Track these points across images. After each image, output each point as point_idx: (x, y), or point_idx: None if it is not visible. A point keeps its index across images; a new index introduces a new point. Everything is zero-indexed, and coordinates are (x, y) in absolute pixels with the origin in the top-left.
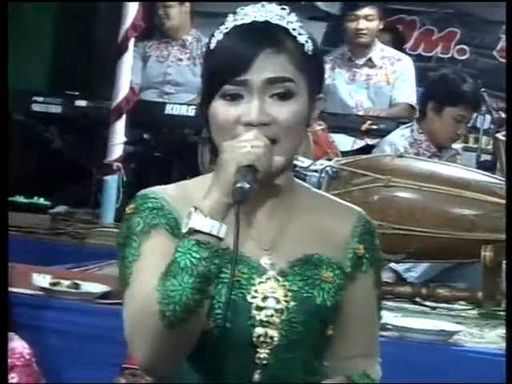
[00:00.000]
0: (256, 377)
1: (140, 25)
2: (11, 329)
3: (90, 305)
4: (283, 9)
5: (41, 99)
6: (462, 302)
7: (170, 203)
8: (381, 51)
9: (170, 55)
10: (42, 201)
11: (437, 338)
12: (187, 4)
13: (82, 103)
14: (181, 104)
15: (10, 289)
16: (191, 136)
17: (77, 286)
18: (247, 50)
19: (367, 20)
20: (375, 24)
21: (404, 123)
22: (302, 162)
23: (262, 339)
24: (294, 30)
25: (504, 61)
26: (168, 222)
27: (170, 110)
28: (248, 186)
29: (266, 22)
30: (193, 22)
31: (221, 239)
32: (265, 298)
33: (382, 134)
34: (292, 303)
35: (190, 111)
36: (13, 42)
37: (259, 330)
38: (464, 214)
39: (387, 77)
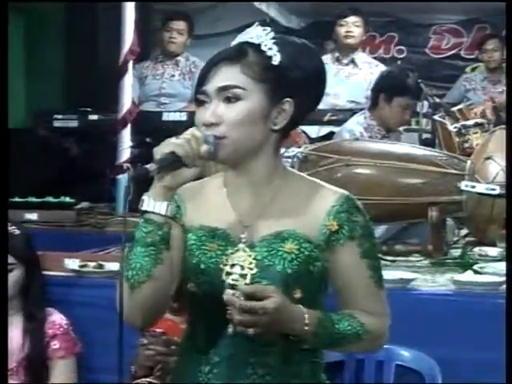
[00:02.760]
0: (230, 330)
1: (136, 49)
2: (50, 305)
3: (112, 281)
4: (264, 30)
5: (60, 116)
6: (415, 255)
7: (181, 195)
8: (363, 57)
9: (165, 73)
10: (67, 199)
11: (397, 285)
12: (190, 39)
13: (94, 117)
14: (175, 111)
15: (46, 272)
16: None
17: (101, 266)
18: (207, 66)
19: (354, 26)
20: (361, 30)
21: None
22: None
23: None
24: (265, 45)
25: (435, 56)
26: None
27: (166, 117)
28: (152, 168)
29: (243, 43)
30: None
31: (163, 215)
32: (233, 265)
33: (341, 122)
34: (255, 270)
35: (183, 117)
36: (32, 74)
37: (229, 292)
38: (412, 182)
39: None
